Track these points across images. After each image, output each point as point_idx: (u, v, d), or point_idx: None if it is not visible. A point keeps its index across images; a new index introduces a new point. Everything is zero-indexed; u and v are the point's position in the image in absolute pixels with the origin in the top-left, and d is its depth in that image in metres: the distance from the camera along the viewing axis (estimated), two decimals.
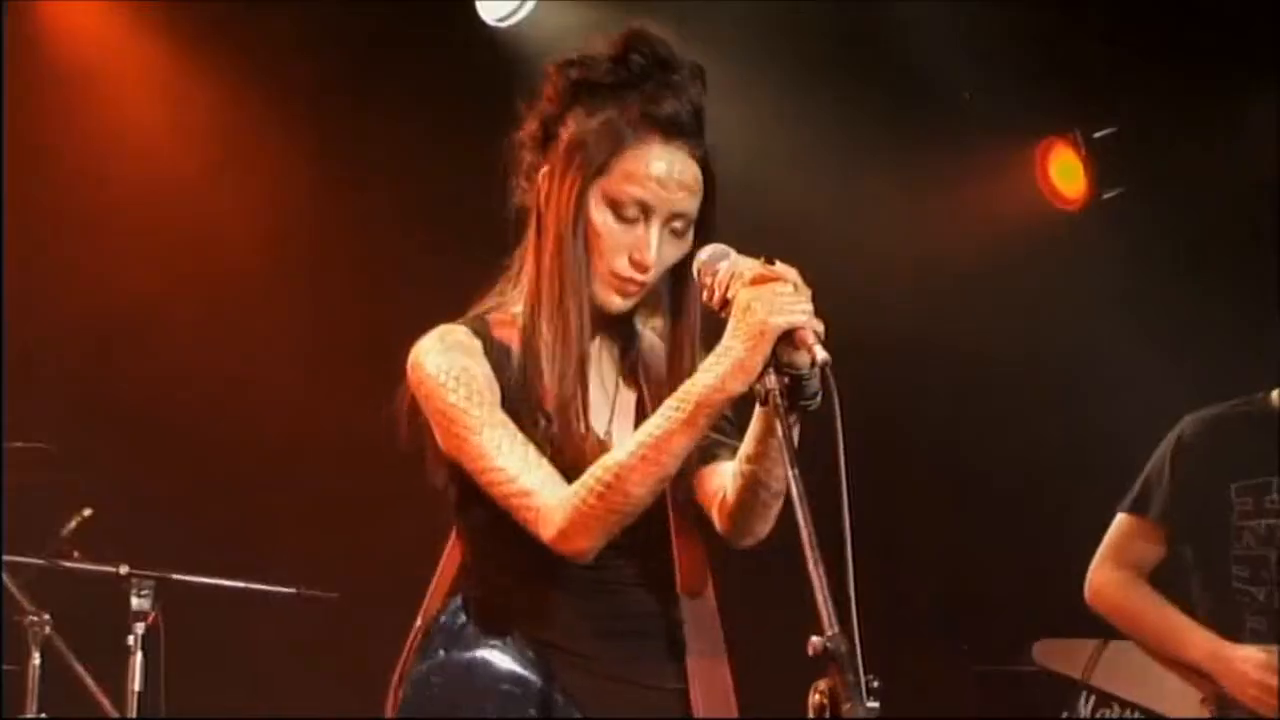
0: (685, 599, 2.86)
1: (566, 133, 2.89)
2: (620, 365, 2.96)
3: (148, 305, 6.11)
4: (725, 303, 2.64)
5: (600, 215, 2.84)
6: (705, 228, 2.88)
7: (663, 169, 2.83)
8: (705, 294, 2.71)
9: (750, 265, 2.65)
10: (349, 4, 6.17)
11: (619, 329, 2.96)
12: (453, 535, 2.97)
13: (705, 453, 2.84)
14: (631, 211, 2.83)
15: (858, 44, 6.55)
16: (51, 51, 6.07)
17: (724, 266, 2.68)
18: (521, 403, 2.82)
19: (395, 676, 2.91)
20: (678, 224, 2.85)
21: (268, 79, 6.17)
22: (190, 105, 6.22)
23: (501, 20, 6.28)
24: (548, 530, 2.71)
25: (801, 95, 6.41)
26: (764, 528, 2.78)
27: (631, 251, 2.83)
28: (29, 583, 5.10)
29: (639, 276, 2.84)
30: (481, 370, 2.82)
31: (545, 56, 6.17)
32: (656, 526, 2.83)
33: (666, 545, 2.85)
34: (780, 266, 2.62)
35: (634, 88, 2.86)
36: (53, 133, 5.99)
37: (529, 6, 6.24)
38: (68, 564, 5.16)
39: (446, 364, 2.81)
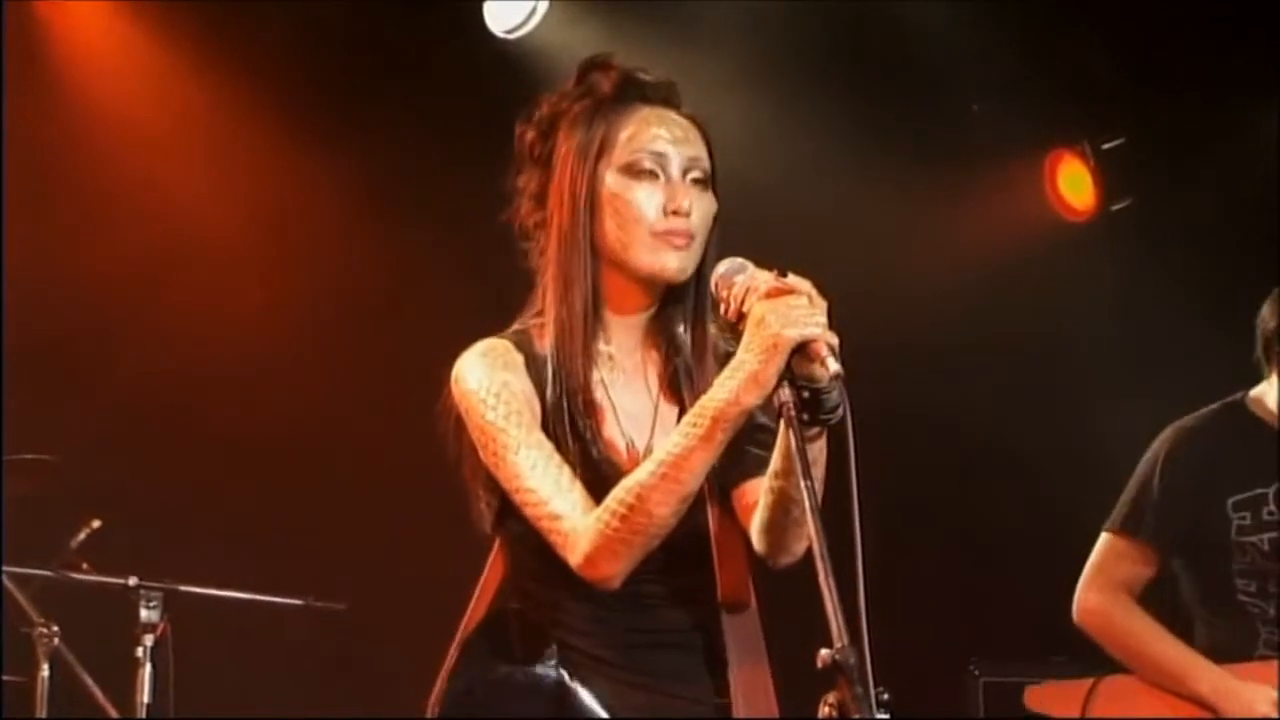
0: (727, 612, 2.84)
1: (557, 155, 2.89)
2: (662, 378, 2.93)
3: (156, 314, 6.11)
4: (741, 316, 2.63)
5: (619, 184, 2.83)
6: (714, 186, 2.90)
7: (662, 124, 2.86)
8: (722, 307, 2.70)
9: (766, 278, 2.63)
10: (353, 9, 6.17)
11: (660, 339, 2.93)
12: (496, 545, 2.95)
13: (746, 468, 2.82)
14: (649, 171, 2.83)
15: (865, 57, 6.55)
16: (51, 52, 6.08)
17: (740, 280, 2.66)
18: (558, 419, 2.81)
19: (435, 691, 2.88)
20: (696, 173, 2.86)
21: (271, 84, 6.17)
22: (195, 113, 6.21)
23: (510, 31, 6.29)
24: (575, 557, 2.70)
25: (808, 108, 6.41)
26: (800, 546, 2.73)
27: (664, 204, 2.82)
28: (38, 594, 5.10)
29: (679, 225, 2.82)
30: (522, 386, 2.82)
31: (553, 67, 6.24)
32: (697, 540, 2.81)
33: (708, 558, 2.83)
34: (794, 279, 2.61)
35: (603, 89, 2.90)
36: (54, 136, 5.99)
37: (537, 18, 6.25)
38: (76, 575, 5.16)
39: (488, 380, 2.81)
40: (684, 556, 2.80)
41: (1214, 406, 4.54)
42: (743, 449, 2.79)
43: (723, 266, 2.72)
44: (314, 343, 6.28)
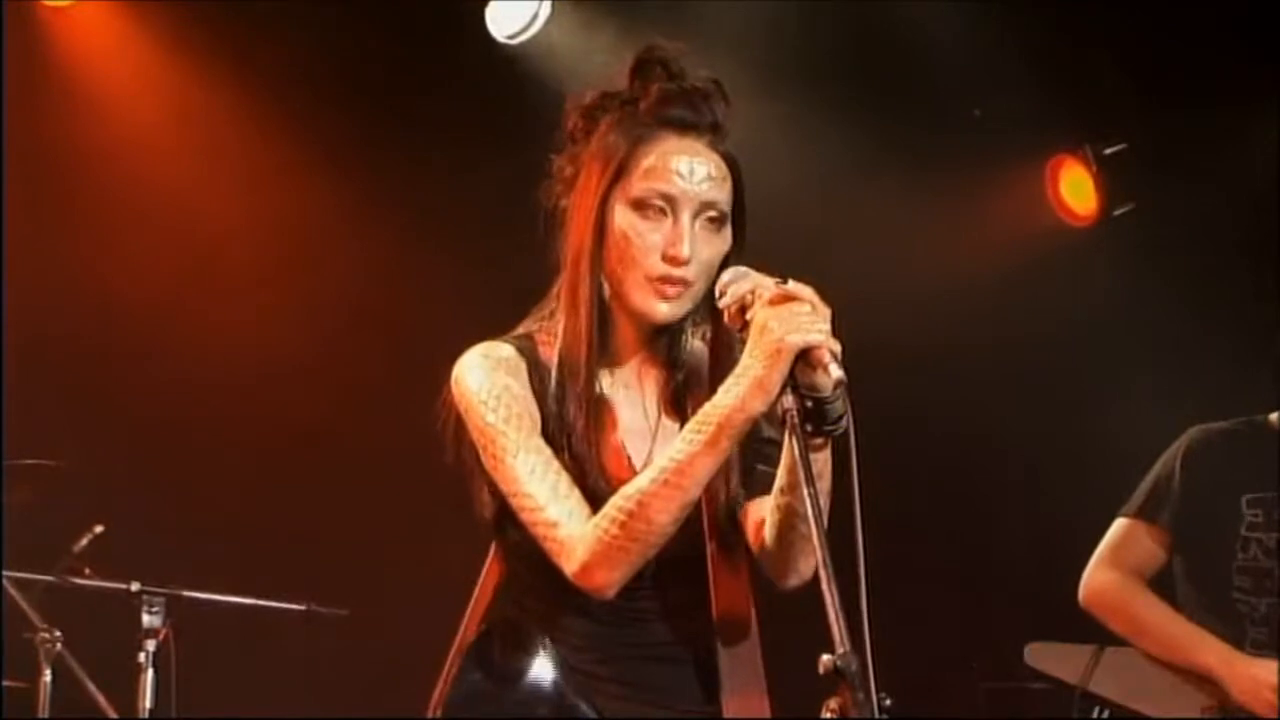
0: (722, 629, 2.81)
1: (588, 152, 2.86)
2: (663, 393, 2.90)
3: (158, 319, 6.12)
4: (745, 324, 2.62)
5: (626, 219, 2.78)
6: (736, 225, 2.83)
7: (683, 160, 2.78)
8: (725, 316, 2.69)
9: (768, 285, 2.63)
10: (356, 14, 6.18)
11: (662, 354, 2.90)
12: (492, 551, 2.94)
13: (755, 487, 2.80)
14: (658, 209, 2.77)
15: (867, 62, 6.56)
16: (54, 56, 6.08)
17: (742, 287, 2.65)
18: (557, 431, 2.78)
19: (435, 697, 2.87)
20: (711, 214, 2.79)
21: (274, 89, 6.18)
22: (199, 119, 6.22)
23: (512, 37, 6.30)
24: (570, 564, 2.67)
25: (811, 113, 6.41)
26: (808, 566, 2.71)
27: (665, 248, 2.76)
28: (40, 599, 5.11)
29: (676, 272, 2.76)
30: (523, 391, 2.79)
31: (555, 72, 6.22)
32: (696, 555, 2.79)
33: (705, 574, 2.81)
34: (796, 286, 2.60)
35: (643, 99, 2.83)
36: (58, 142, 6.00)
37: (539, 24, 6.26)
38: (79, 581, 5.17)
39: (489, 383, 2.78)
40: (681, 572, 2.78)
41: (1238, 420, 4.59)
42: (752, 466, 2.78)
43: (725, 275, 2.72)
44: (316, 349, 6.28)
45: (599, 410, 2.83)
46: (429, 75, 6.33)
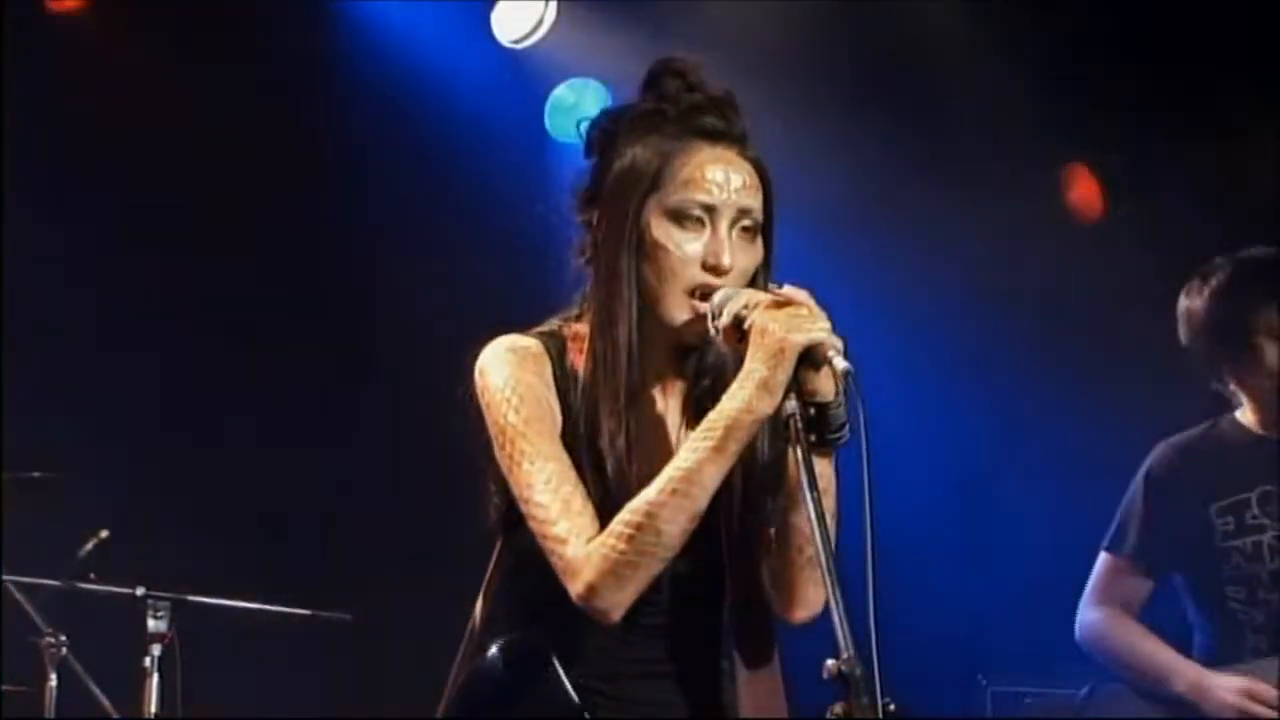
0: (741, 641, 2.77)
1: (610, 173, 2.80)
2: (686, 405, 2.86)
3: (161, 322, 6.12)
4: (743, 335, 2.60)
5: (663, 231, 2.74)
6: (767, 235, 2.80)
7: (719, 169, 2.75)
8: (721, 335, 2.66)
9: (763, 296, 2.63)
10: (358, 17, 6.19)
11: (691, 363, 2.85)
12: (495, 552, 2.87)
13: (773, 509, 2.77)
14: (696, 218, 2.73)
15: (869, 66, 6.55)
16: (57, 57, 6.09)
17: (737, 303, 2.64)
18: (575, 441, 2.73)
19: (441, 708, 2.83)
20: (746, 222, 2.76)
21: (277, 92, 6.19)
22: (202, 120, 6.22)
23: (517, 42, 6.30)
24: (574, 585, 2.62)
25: (820, 117, 6.40)
26: (817, 596, 2.67)
27: (705, 257, 2.73)
28: (45, 604, 5.11)
29: (716, 281, 2.71)
30: (546, 391, 2.75)
31: (559, 78, 6.19)
32: (709, 570, 2.75)
33: (719, 590, 2.78)
34: (791, 290, 2.61)
35: (670, 109, 2.80)
36: (60, 143, 6.01)
37: (544, 28, 6.26)
38: (84, 586, 5.17)
39: (514, 379, 2.73)
40: (695, 588, 2.75)
41: (1205, 423, 4.61)
42: (770, 480, 2.75)
43: (716, 298, 2.69)
44: (318, 350, 6.28)
45: (622, 426, 2.75)
46: (430, 76, 6.33)
